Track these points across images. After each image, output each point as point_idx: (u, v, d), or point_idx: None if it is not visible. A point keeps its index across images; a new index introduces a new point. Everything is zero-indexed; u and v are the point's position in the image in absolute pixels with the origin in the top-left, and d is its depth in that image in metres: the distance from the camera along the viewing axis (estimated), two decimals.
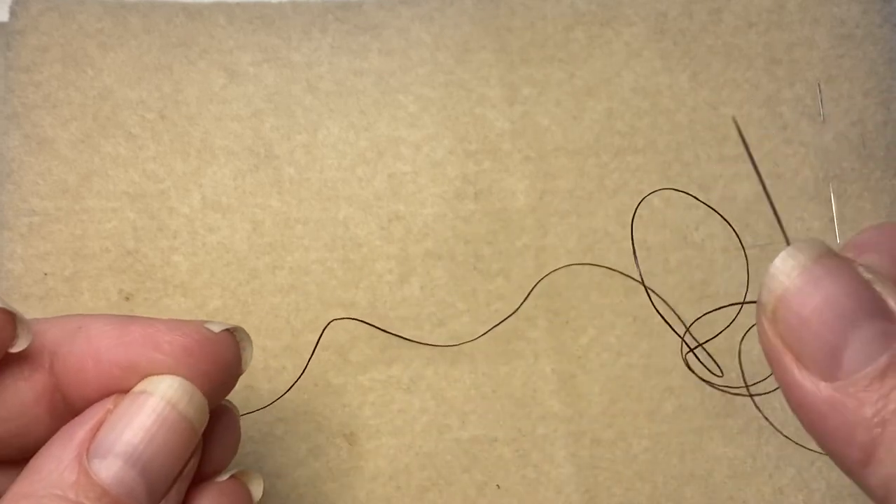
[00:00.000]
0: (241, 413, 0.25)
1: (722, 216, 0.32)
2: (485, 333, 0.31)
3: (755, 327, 0.19)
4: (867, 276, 0.18)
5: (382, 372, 0.31)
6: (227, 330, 0.23)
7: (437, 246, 0.32)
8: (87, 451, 0.20)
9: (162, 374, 0.21)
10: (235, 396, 0.31)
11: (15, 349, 0.21)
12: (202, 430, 0.22)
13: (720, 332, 0.30)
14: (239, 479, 0.24)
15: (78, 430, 0.20)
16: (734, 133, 0.34)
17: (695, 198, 0.32)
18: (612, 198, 0.33)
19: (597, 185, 0.33)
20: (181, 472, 0.21)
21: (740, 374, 0.31)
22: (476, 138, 0.33)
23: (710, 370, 0.30)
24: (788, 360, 0.18)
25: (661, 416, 0.32)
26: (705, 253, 0.33)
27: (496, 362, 0.32)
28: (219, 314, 0.31)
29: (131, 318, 0.22)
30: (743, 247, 0.32)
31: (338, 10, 0.34)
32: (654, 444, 0.31)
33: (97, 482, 0.19)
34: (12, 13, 0.33)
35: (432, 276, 0.32)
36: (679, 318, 0.32)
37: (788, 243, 0.19)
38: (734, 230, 0.29)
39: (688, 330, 0.30)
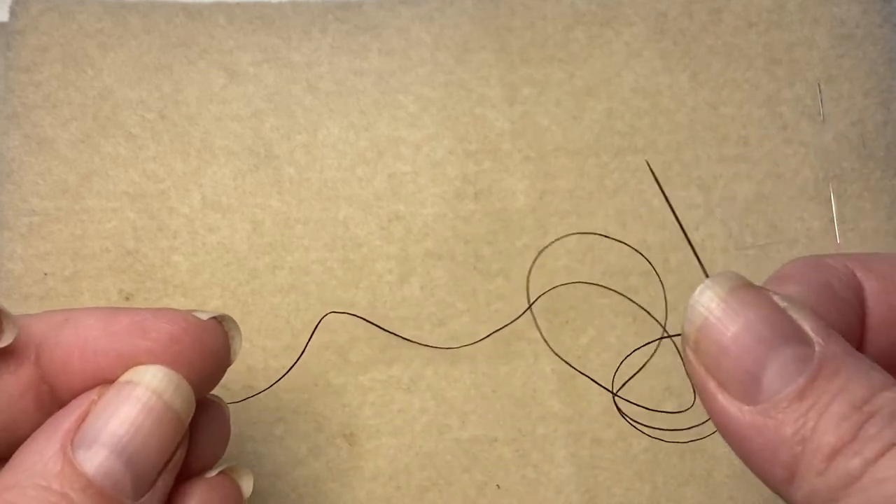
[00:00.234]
0: (237, 400, 0.24)
1: (643, 255, 0.32)
2: (486, 337, 0.31)
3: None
4: (783, 303, 0.19)
5: (382, 372, 0.31)
6: (215, 318, 0.22)
7: (437, 246, 0.32)
8: (72, 441, 0.20)
9: (148, 363, 0.21)
10: (235, 396, 0.31)
11: (0, 344, 0.21)
12: (189, 420, 0.21)
13: (636, 373, 0.30)
14: (229, 475, 0.24)
15: (62, 422, 0.20)
16: (734, 133, 0.34)
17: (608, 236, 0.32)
18: (612, 198, 0.33)
19: (597, 185, 0.33)
20: (167, 463, 0.21)
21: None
22: (476, 138, 0.33)
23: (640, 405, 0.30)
24: (713, 387, 0.19)
25: (661, 416, 0.31)
26: (705, 253, 0.33)
27: (496, 362, 0.32)
28: None
29: (118, 309, 0.22)
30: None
31: (338, 10, 0.34)
32: (654, 444, 0.31)
33: (81, 472, 0.19)
34: (12, 13, 0.33)
35: (432, 276, 0.32)
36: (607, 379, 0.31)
37: (707, 275, 0.20)
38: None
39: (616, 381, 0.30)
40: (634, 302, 0.32)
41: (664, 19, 0.34)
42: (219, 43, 0.33)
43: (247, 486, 0.24)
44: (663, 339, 0.31)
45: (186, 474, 0.23)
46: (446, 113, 0.33)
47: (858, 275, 0.21)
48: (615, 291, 0.32)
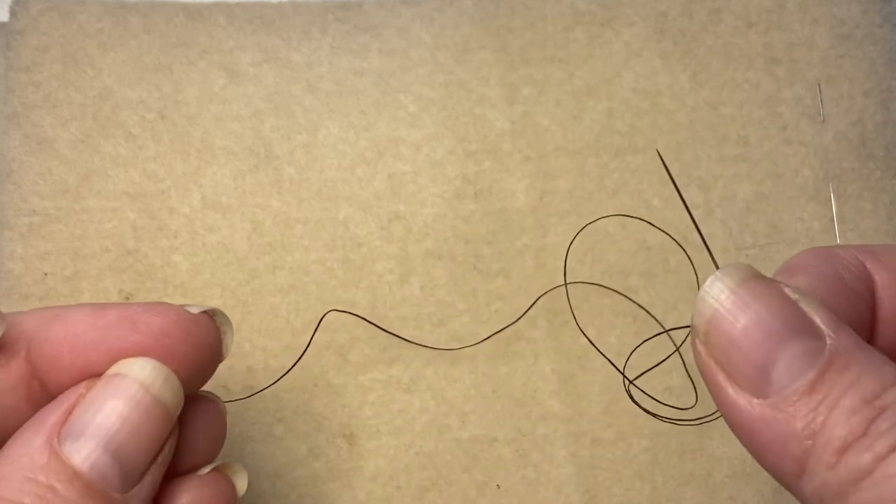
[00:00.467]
0: (237, 399, 0.24)
1: (675, 240, 0.32)
2: (486, 339, 0.31)
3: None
4: (794, 296, 0.19)
5: (382, 372, 0.31)
6: (206, 312, 0.22)
7: (437, 246, 0.32)
8: (59, 434, 0.20)
9: (138, 356, 0.21)
10: (235, 396, 0.31)
11: None
12: (177, 413, 0.21)
13: (651, 367, 0.30)
14: (222, 472, 0.23)
15: (50, 415, 0.20)
16: (734, 133, 0.34)
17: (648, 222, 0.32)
18: (612, 198, 0.33)
19: (597, 185, 0.33)
20: (156, 456, 0.21)
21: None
22: (476, 138, 0.33)
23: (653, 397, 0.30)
24: (722, 380, 0.19)
25: (664, 411, 0.31)
26: (705, 252, 0.33)
27: (496, 362, 0.32)
28: None
29: (109, 304, 0.22)
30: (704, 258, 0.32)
31: (338, 10, 0.34)
32: (653, 444, 0.31)
33: (68, 464, 0.19)
34: (12, 13, 0.33)
35: (432, 276, 0.32)
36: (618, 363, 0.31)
37: (717, 267, 0.20)
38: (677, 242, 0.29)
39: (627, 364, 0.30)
40: (634, 302, 0.32)
41: (664, 19, 0.34)
42: (219, 43, 0.33)
43: (241, 483, 0.24)
44: (663, 339, 0.31)
45: (179, 471, 0.23)
46: (446, 113, 0.33)
47: (869, 266, 0.21)
48: (615, 291, 0.32)
